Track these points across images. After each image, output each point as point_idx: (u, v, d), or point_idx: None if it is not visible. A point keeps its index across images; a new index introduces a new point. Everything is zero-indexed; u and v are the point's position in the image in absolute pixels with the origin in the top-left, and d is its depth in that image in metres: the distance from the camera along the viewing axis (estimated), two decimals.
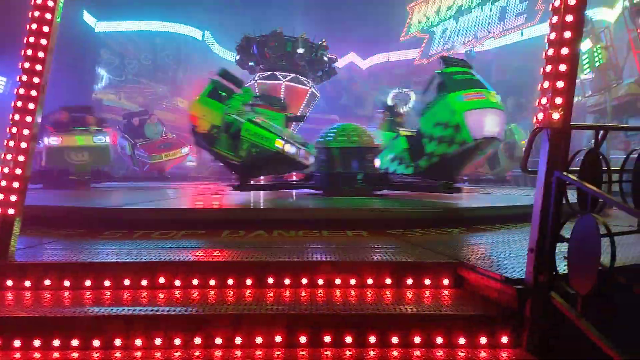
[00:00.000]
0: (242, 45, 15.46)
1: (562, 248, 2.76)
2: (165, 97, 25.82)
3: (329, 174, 8.38)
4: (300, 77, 14.78)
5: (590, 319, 2.47)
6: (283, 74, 14.61)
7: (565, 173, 2.83)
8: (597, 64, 16.35)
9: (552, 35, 2.93)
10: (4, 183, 3.48)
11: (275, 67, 14.71)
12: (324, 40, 14.99)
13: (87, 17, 25.52)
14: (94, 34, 26.11)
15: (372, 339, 2.78)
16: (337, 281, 3.40)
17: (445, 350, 2.76)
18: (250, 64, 15.89)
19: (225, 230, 4.97)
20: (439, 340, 2.78)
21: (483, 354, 2.75)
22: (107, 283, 3.35)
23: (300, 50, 14.20)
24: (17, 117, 3.56)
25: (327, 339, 2.78)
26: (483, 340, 2.80)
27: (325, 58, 15.16)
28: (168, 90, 26.62)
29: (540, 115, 2.92)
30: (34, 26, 3.63)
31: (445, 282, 3.40)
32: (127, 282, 3.35)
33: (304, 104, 14.95)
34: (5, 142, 3.57)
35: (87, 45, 24.40)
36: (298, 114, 14.74)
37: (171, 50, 27.98)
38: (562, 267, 2.77)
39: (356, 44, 27.87)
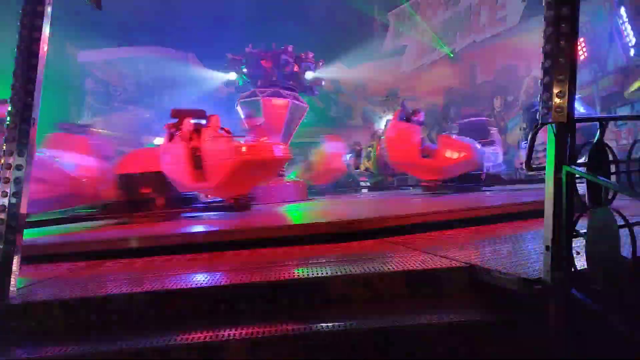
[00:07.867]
0: (226, 65, 15.56)
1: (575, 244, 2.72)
2: (153, 122, 25.69)
3: None
4: (282, 91, 14.64)
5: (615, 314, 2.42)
6: (262, 89, 14.52)
7: (573, 167, 2.79)
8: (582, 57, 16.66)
9: (549, 30, 2.90)
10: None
11: (256, 84, 14.76)
12: (306, 52, 15.07)
13: (69, 48, 25.50)
14: (77, 64, 26.05)
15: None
16: None
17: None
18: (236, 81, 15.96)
19: None
20: (463, 349, 2.71)
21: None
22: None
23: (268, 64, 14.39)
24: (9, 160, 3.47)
25: None
26: (507, 345, 2.73)
27: (307, 72, 15.19)
28: (155, 114, 26.49)
29: (544, 111, 2.88)
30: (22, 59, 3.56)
31: (460, 287, 3.32)
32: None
33: (287, 118, 14.76)
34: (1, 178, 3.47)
35: (73, 75, 24.44)
36: (283, 128, 14.60)
37: (156, 74, 27.91)
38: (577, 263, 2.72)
39: (342, 55, 28.07)
